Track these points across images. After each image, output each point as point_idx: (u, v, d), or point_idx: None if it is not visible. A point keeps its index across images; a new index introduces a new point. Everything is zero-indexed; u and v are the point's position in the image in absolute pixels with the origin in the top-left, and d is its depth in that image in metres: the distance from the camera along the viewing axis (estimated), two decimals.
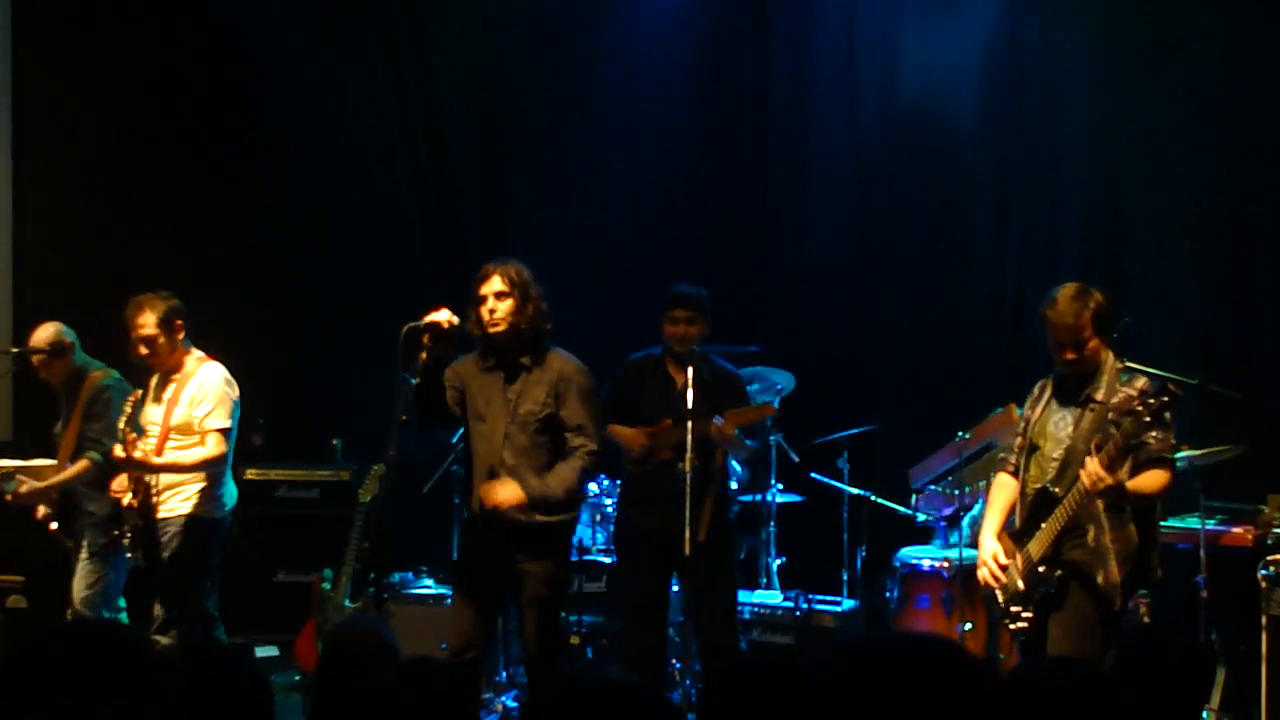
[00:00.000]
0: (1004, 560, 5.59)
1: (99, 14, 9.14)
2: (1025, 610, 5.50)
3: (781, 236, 9.86)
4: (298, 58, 9.68)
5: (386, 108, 9.99)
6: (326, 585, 7.94)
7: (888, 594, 7.93)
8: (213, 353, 7.13)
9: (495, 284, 6.05)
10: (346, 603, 7.81)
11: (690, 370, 6.63)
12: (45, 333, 7.31)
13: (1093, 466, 5.16)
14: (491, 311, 6.02)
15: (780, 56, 9.83)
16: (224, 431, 6.84)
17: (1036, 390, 5.74)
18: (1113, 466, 5.17)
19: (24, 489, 7.13)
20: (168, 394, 6.90)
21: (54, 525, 7.29)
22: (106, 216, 9.11)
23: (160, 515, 6.82)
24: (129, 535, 6.83)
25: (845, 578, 8.15)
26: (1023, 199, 9.07)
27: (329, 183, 9.76)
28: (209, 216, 9.39)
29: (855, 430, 8.15)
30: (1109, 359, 5.49)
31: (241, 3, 9.47)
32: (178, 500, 6.85)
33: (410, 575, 8.25)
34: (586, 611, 7.82)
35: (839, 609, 7.89)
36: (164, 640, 6.70)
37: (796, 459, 8.21)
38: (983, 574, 5.68)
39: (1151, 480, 5.33)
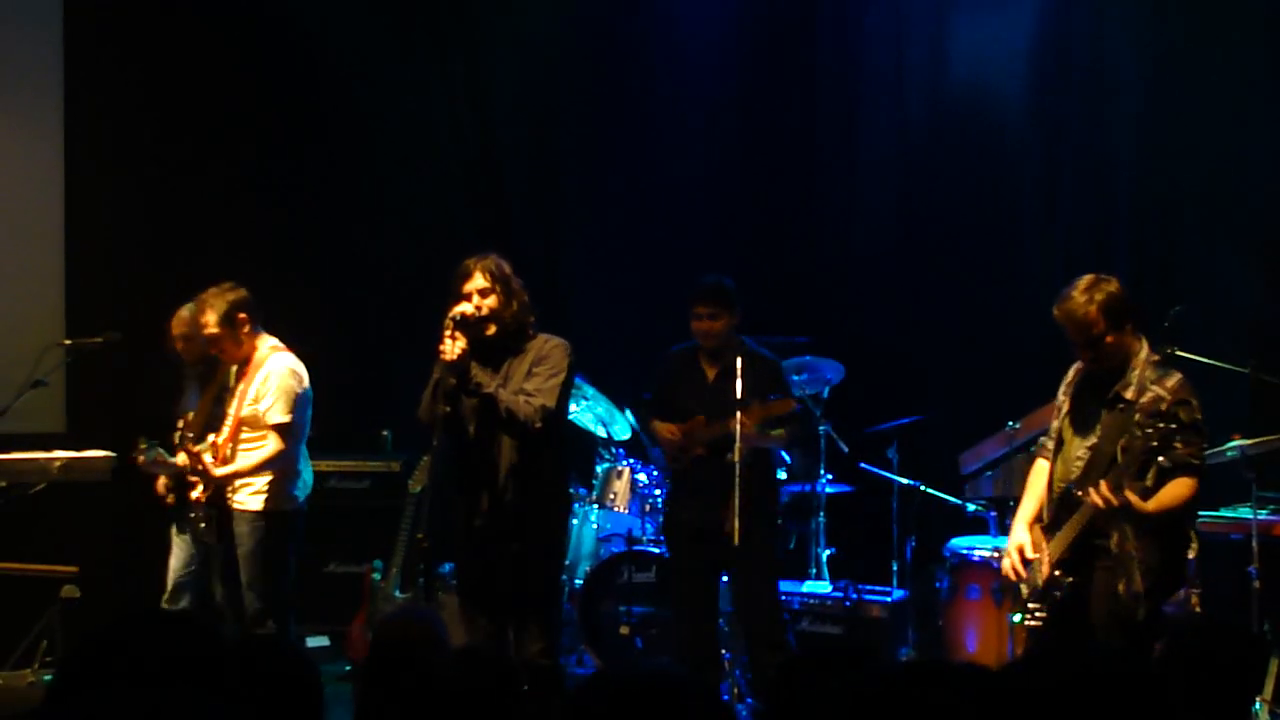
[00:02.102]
0: (1030, 554, 5.47)
1: (151, 19, 9.19)
2: (1040, 610, 5.40)
3: (829, 227, 9.84)
4: (348, 57, 9.72)
5: (436, 106, 10.01)
6: (377, 576, 7.99)
7: (938, 584, 7.91)
8: None
9: (478, 280, 5.93)
10: (397, 593, 7.86)
11: (723, 363, 6.65)
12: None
13: (1103, 491, 5.07)
14: (478, 309, 5.92)
15: (827, 46, 9.81)
16: (284, 426, 6.82)
17: (1071, 374, 5.60)
18: (1123, 487, 5.06)
19: (160, 459, 7.09)
20: (240, 386, 6.95)
21: (170, 499, 7.30)
22: (158, 213, 9.16)
23: (234, 507, 6.86)
24: (204, 523, 6.89)
25: (895, 568, 8.14)
26: (1072, 187, 9.01)
27: (378, 178, 9.79)
28: (260, 213, 9.43)
29: (905, 420, 8.12)
30: (1141, 350, 5.32)
31: (292, 6, 9.52)
32: (247, 494, 6.87)
33: None
34: (636, 602, 7.84)
35: (889, 599, 7.88)
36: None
37: (846, 449, 8.19)
38: (1005, 565, 5.58)
39: (1175, 492, 5.15)
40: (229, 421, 6.90)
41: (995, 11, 9.19)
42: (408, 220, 9.78)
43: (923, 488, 8.11)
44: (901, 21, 9.54)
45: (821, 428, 8.09)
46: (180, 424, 7.08)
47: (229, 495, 6.85)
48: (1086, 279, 5.33)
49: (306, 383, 6.95)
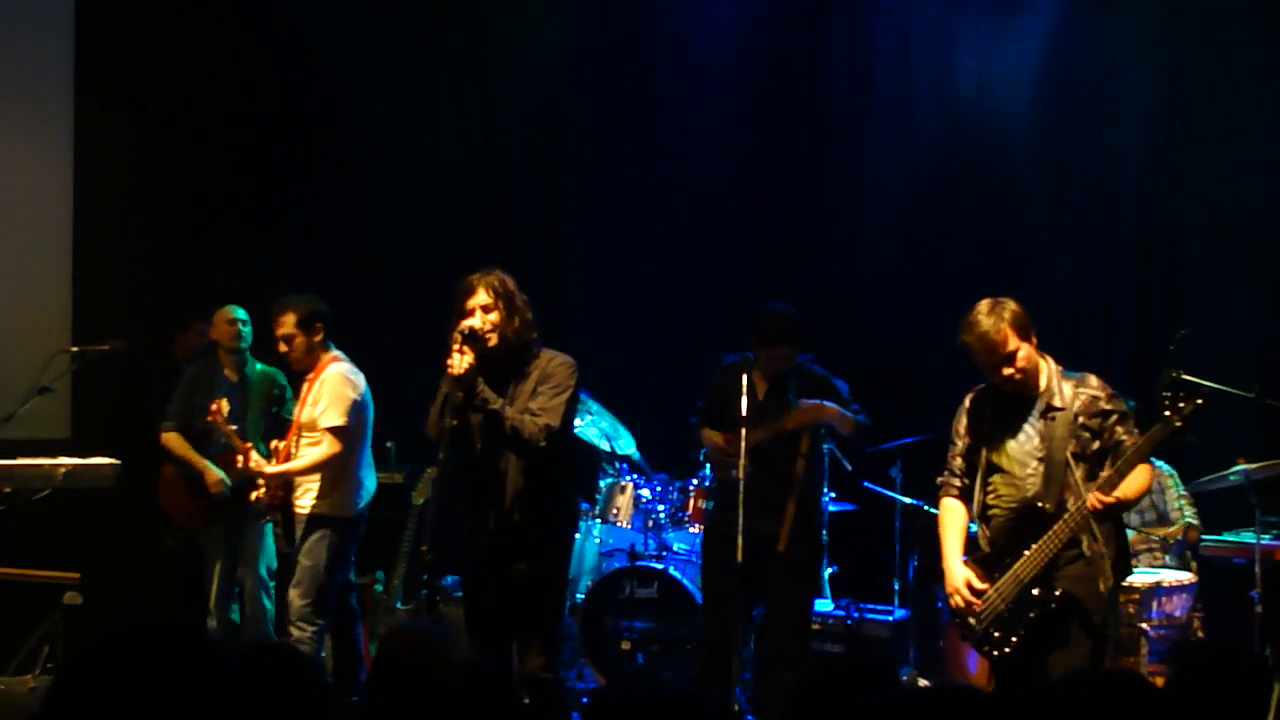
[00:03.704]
0: (979, 585, 5.44)
1: (160, 32, 9.21)
2: (1013, 634, 5.34)
3: (835, 245, 9.84)
4: (356, 72, 9.74)
5: (443, 118, 10.03)
6: (379, 588, 7.99)
7: (939, 604, 7.90)
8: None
9: (481, 296, 5.90)
10: (398, 605, 7.86)
11: (774, 378, 6.71)
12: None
13: (1095, 497, 5.13)
14: (480, 324, 5.90)
15: (835, 67, 9.81)
16: (338, 429, 6.93)
17: (968, 403, 5.65)
18: (1109, 485, 5.13)
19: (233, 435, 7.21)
20: (305, 393, 7.12)
21: (216, 490, 7.60)
22: (164, 223, 9.19)
23: (297, 511, 7.03)
24: (275, 525, 7.14)
25: (897, 587, 8.14)
26: (1078, 207, 9.02)
27: (385, 192, 9.81)
28: (266, 224, 9.45)
29: (909, 440, 8.12)
30: (1046, 364, 5.41)
31: (301, 16, 9.54)
32: (310, 498, 7.02)
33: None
34: (637, 618, 7.84)
35: (890, 618, 7.88)
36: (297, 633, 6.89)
37: (849, 468, 8.18)
38: (955, 600, 5.54)
39: (1137, 481, 5.26)
40: (294, 428, 7.12)
41: (1003, 34, 9.20)
42: (413, 234, 9.79)
43: (925, 507, 8.10)
44: (909, 43, 9.54)
45: (825, 446, 8.07)
46: (214, 408, 7.19)
47: (294, 500, 7.03)
48: (985, 303, 5.42)
49: (364, 390, 7.09)
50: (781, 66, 9.91)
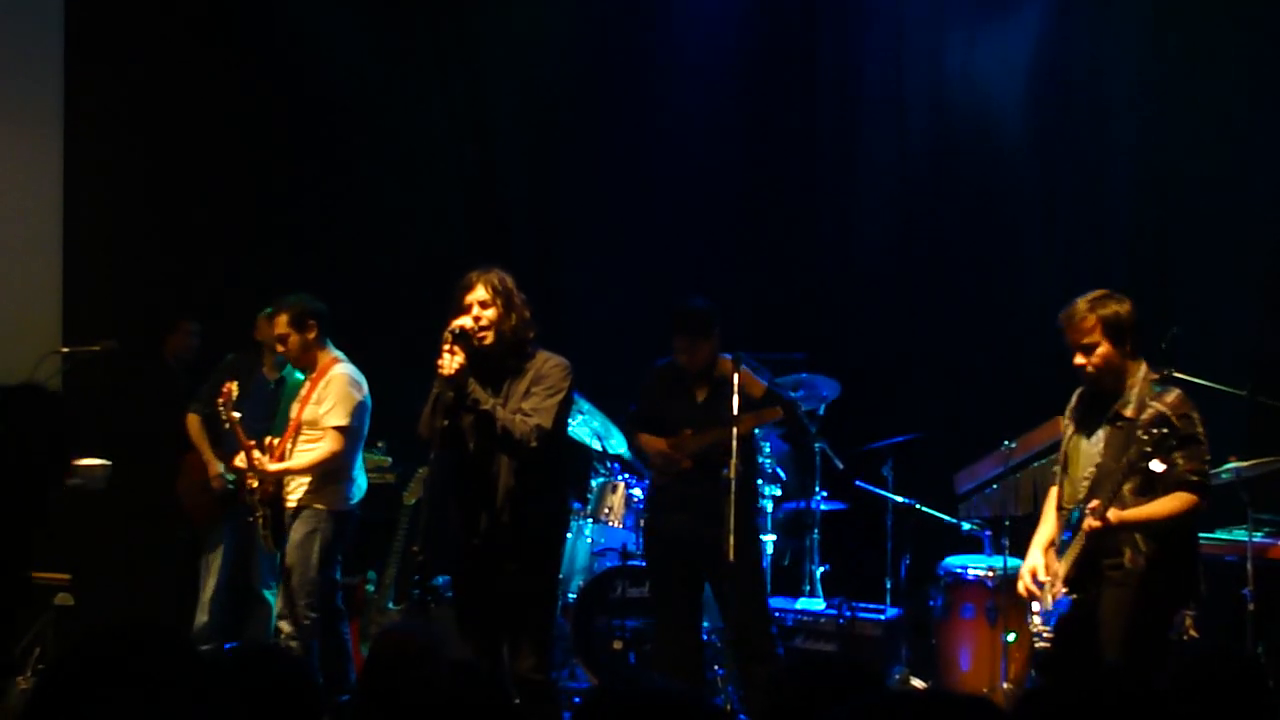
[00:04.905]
0: (1043, 576, 5.51)
1: (151, 31, 9.21)
2: (1048, 631, 5.45)
3: (827, 244, 9.84)
4: (349, 73, 9.75)
5: (436, 118, 10.03)
6: (370, 587, 7.98)
7: (932, 603, 7.90)
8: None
9: (479, 293, 5.92)
10: (390, 604, 7.85)
11: (710, 382, 6.74)
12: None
13: (1090, 518, 5.15)
14: (476, 320, 5.90)
15: (827, 66, 9.80)
16: (342, 429, 7.04)
17: (1074, 399, 5.66)
18: (1110, 505, 5.13)
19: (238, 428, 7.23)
20: (306, 391, 7.22)
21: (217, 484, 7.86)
22: (155, 222, 9.18)
23: (288, 505, 7.09)
24: (260, 519, 7.12)
25: (889, 586, 8.13)
26: (1070, 207, 9.02)
27: (378, 192, 9.82)
28: (258, 224, 9.45)
29: (900, 438, 8.12)
30: (1139, 371, 5.39)
31: (291, 18, 9.53)
32: (303, 492, 7.08)
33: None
34: (629, 617, 7.84)
35: (882, 617, 7.87)
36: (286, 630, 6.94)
37: (841, 466, 8.17)
38: (1019, 587, 5.62)
39: (1167, 505, 5.22)
40: (290, 424, 7.18)
41: (995, 32, 9.20)
42: (406, 234, 9.80)
43: (918, 506, 8.11)
44: (901, 42, 9.54)
45: (817, 445, 8.08)
46: (225, 389, 7.22)
47: (285, 495, 7.08)
48: (1101, 292, 5.43)
49: (366, 392, 7.20)
50: (773, 66, 9.91)
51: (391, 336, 9.23)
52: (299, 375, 7.57)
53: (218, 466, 7.76)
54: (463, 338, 5.81)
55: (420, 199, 9.93)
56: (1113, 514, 5.16)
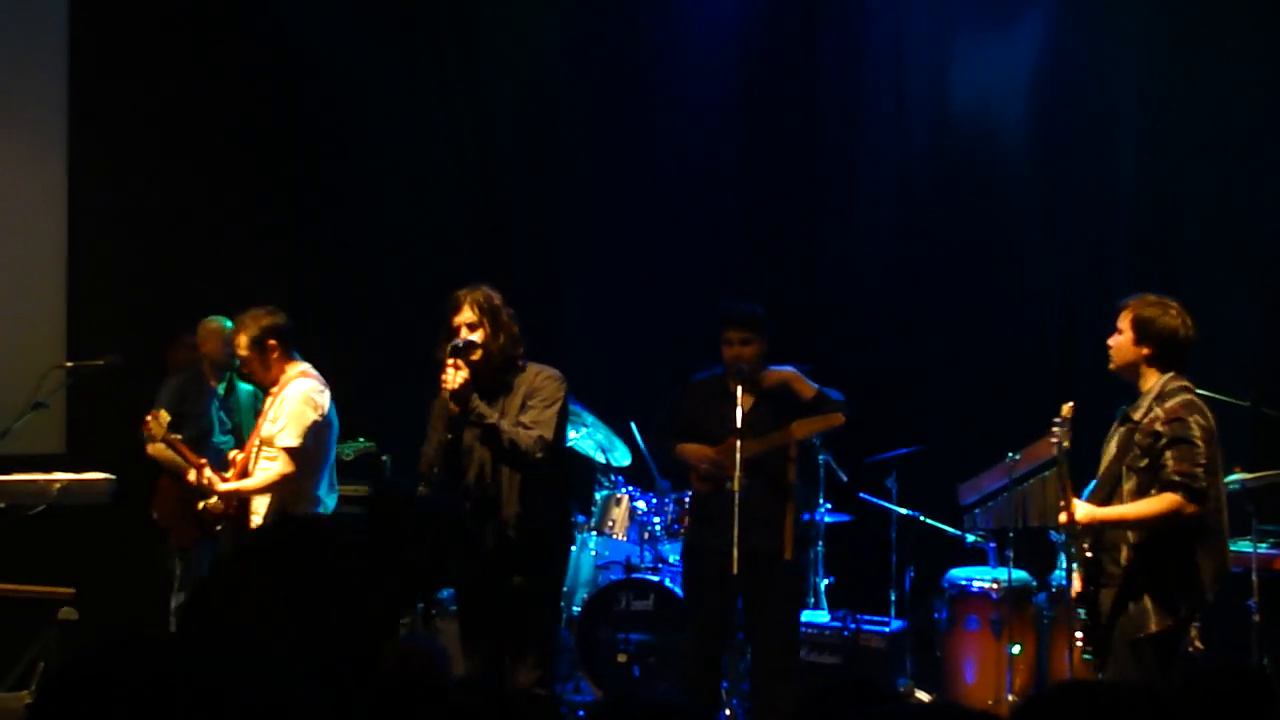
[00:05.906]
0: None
1: (154, 43, 9.21)
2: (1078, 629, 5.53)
3: (830, 255, 9.85)
4: (350, 80, 9.75)
5: (438, 127, 10.03)
6: None
7: (936, 615, 7.90)
8: None
9: (467, 314, 5.92)
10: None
11: (757, 390, 6.58)
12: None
13: (1064, 515, 5.25)
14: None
15: (828, 76, 9.83)
16: (293, 450, 6.78)
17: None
18: (1069, 505, 5.24)
19: (176, 443, 7.18)
20: (266, 406, 7.05)
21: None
22: (159, 237, 9.18)
23: (251, 525, 6.93)
24: (220, 532, 7.07)
25: (894, 598, 8.12)
26: (1072, 217, 9.03)
27: (379, 203, 9.82)
28: (260, 238, 9.44)
29: (904, 450, 8.11)
30: (1156, 378, 5.42)
31: (295, 26, 9.53)
32: (266, 509, 6.90)
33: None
34: (633, 630, 7.82)
35: (887, 630, 7.86)
36: None
37: (845, 478, 8.16)
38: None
39: (1147, 505, 5.24)
40: (254, 441, 7.01)
41: (996, 40, 9.22)
42: (407, 245, 9.80)
43: (922, 518, 8.10)
44: (902, 50, 9.57)
45: (821, 457, 8.06)
46: (148, 419, 7.15)
47: (248, 514, 6.93)
48: (1158, 297, 5.53)
49: (326, 409, 6.92)
50: (774, 75, 9.93)
51: (391, 350, 9.24)
52: (245, 386, 7.56)
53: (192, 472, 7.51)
54: (464, 351, 5.81)
55: (422, 212, 9.92)
56: (1084, 514, 5.26)
